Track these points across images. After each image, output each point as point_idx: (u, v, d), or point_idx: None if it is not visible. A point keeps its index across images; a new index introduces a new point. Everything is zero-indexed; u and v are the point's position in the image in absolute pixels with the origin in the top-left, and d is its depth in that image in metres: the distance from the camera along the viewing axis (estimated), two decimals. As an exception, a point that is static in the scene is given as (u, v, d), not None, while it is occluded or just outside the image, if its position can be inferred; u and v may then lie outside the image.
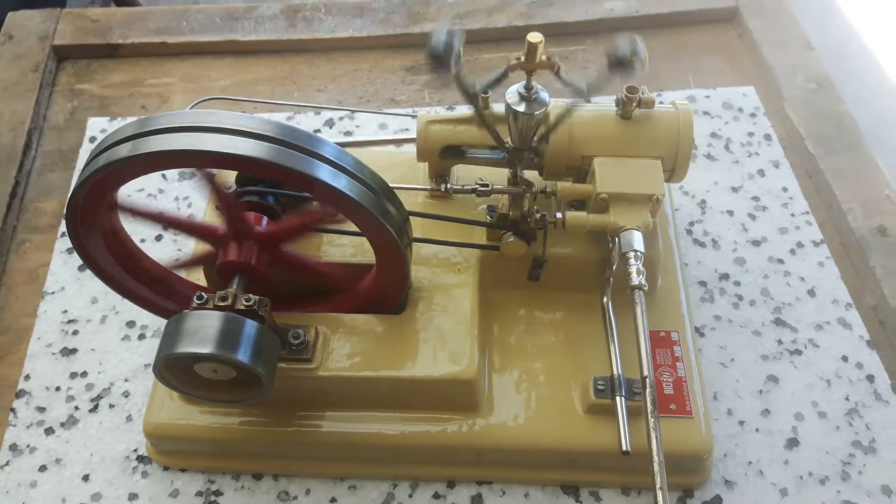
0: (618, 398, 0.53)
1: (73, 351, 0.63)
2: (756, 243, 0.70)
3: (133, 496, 0.56)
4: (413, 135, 0.58)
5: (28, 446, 0.58)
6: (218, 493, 0.56)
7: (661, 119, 0.56)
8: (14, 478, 0.57)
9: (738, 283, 0.67)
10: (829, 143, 0.78)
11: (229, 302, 0.48)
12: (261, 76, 0.86)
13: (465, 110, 0.58)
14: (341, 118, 0.80)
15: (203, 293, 0.48)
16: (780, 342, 0.64)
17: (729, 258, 0.69)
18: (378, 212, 0.47)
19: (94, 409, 0.60)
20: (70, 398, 0.61)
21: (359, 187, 0.47)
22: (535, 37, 0.46)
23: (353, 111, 0.59)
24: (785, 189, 0.74)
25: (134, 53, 0.87)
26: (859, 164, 0.76)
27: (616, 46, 0.45)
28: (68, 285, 0.67)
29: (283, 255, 0.53)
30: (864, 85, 0.96)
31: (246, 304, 0.48)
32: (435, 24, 0.46)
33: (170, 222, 0.53)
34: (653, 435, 0.46)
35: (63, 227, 0.71)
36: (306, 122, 0.80)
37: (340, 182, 0.46)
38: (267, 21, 0.89)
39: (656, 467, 0.45)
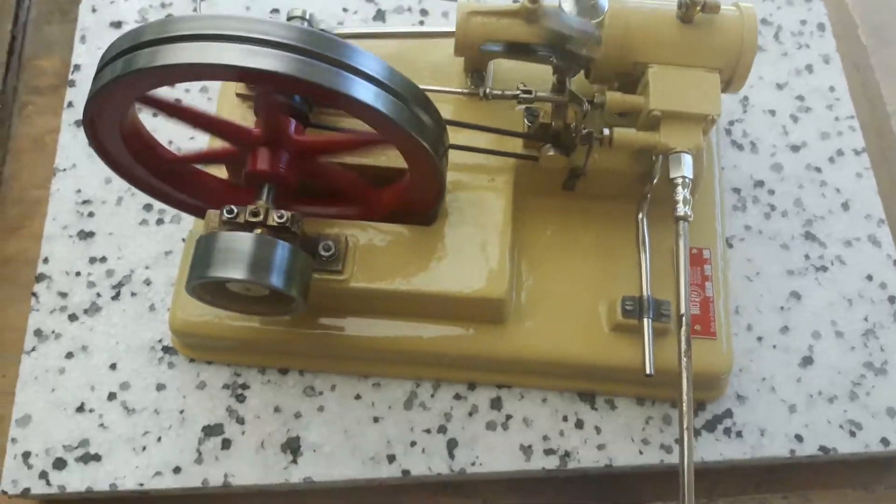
0: (645, 320, 0.53)
1: (91, 234, 0.62)
2: (795, 148, 0.67)
3: (161, 386, 0.57)
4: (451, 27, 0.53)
5: (53, 332, 0.58)
6: (245, 386, 0.57)
7: (723, 24, 0.51)
8: (42, 364, 0.57)
9: (772, 192, 0.65)
10: (882, 34, 0.73)
11: (261, 218, 0.46)
12: None
13: (509, 3, 0.53)
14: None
15: (233, 206, 0.46)
16: (807, 257, 0.63)
17: (766, 163, 0.66)
18: (412, 126, 0.44)
19: (116, 297, 0.60)
20: (91, 284, 0.60)
21: (391, 100, 0.43)
22: None
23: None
24: (832, 88, 0.70)
25: None
26: (912, 60, 0.72)
27: None
28: (80, 162, 0.64)
29: (317, 167, 0.50)
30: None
31: (279, 220, 0.46)
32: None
33: (194, 118, 0.48)
34: (683, 375, 0.46)
35: (69, 96, 0.67)
36: None
37: (369, 96, 0.42)
38: None
39: (685, 407, 0.46)
